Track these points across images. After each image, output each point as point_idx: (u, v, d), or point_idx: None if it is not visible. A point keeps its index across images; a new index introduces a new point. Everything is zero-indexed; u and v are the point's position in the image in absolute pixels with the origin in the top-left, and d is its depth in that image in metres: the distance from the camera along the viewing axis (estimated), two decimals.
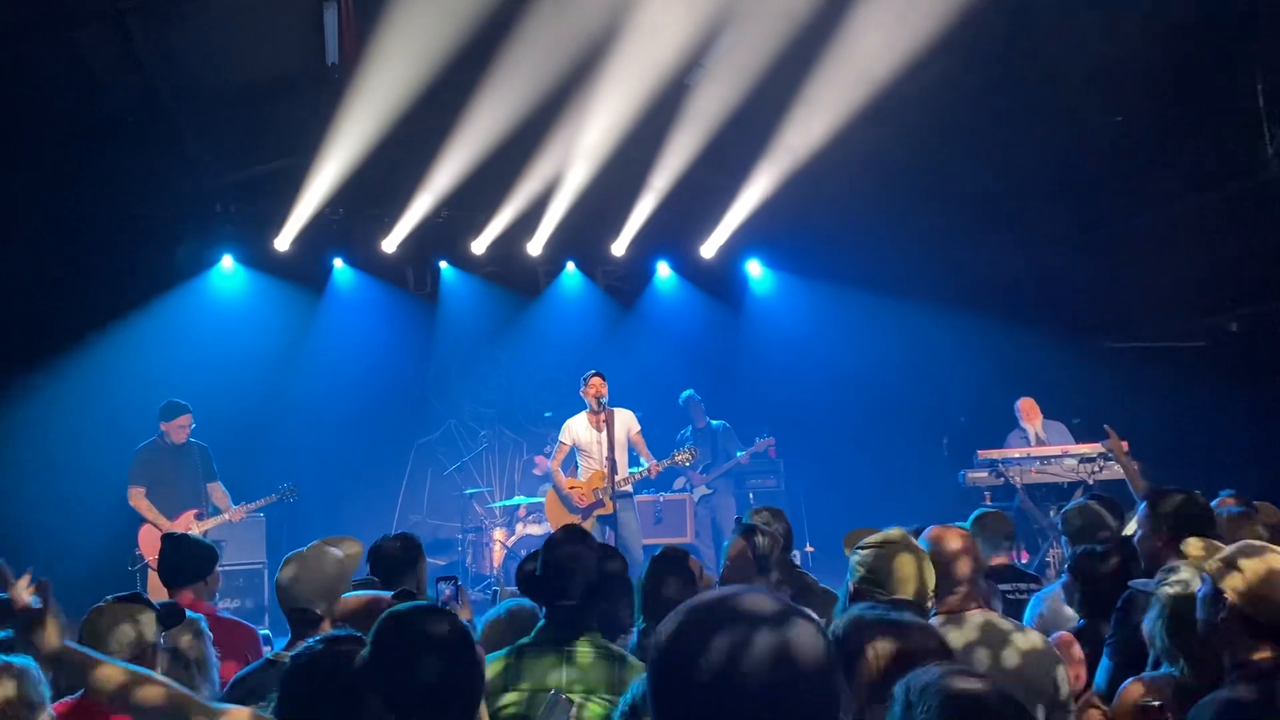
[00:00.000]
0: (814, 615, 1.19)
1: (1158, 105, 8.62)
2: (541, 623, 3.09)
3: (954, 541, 3.04)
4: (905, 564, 2.64)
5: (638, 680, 2.30)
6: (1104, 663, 3.04)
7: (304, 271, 10.57)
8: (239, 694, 2.95)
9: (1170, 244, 9.46)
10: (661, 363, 11.21)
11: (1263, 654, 2.36)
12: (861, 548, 2.73)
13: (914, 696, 1.42)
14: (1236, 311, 9.90)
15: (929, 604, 2.68)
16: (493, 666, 2.96)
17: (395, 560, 3.82)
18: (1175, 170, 9.14)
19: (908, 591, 2.60)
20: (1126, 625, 2.89)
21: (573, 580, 3.07)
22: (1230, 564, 2.41)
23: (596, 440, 7.75)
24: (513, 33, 7.86)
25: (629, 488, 7.80)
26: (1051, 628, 3.63)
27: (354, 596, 2.97)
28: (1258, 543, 2.47)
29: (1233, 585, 2.39)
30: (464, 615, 3.94)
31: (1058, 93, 8.58)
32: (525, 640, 3.05)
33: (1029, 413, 8.80)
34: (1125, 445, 5.62)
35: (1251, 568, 2.37)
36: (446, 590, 3.72)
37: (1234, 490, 4.25)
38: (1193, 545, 2.57)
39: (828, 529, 10.43)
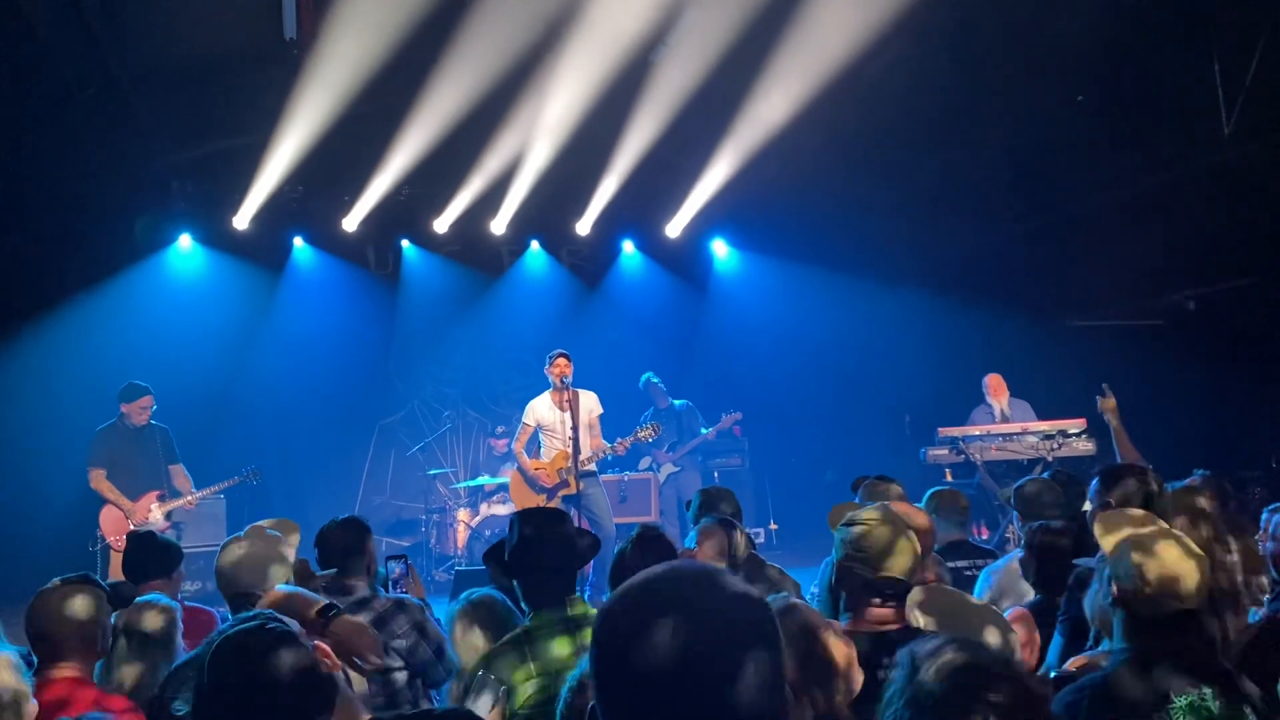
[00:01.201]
0: (758, 593, 1.18)
1: (1115, 85, 8.69)
2: (538, 609, 3.02)
3: (910, 519, 3.09)
4: (891, 541, 2.65)
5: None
6: (1055, 640, 3.08)
7: (263, 250, 10.44)
8: (183, 675, 2.91)
9: (1129, 223, 9.57)
10: (626, 342, 11.20)
11: (1133, 644, 2.39)
12: (847, 524, 2.73)
13: (920, 662, 1.42)
14: (1194, 290, 10.05)
15: (916, 579, 2.69)
16: (508, 661, 2.89)
17: (342, 545, 3.79)
18: (1133, 150, 9.23)
19: (893, 568, 2.61)
20: (1077, 603, 2.93)
21: (559, 551, 3.06)
22: (1121, 554, 2.43)
23: (560, 420, 7.73)
24: (474, 8, 7.77)
25: (593, 467, 7.80)
26: (1001, 600, 3.68)
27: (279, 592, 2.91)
28: (1156, 532, 2.45)
29: (1117, 575, 2.42)
30: (416, 593, 3.92)
31: (1017, 73, 8.62)
32: (528, 625, 2.99)
33: (996, 389, 8.87)
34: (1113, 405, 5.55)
35: (1139, 562, 2.38)
36: (397, 569, 3.69)
37: (1206, 470, 4.28)
38: (1102, 528, 2.58)
39: (791, 507, 10.52)
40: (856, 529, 2.70)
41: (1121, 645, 2.42)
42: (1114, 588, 2.42)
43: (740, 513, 4.42)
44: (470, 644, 3.26)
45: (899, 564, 2.63)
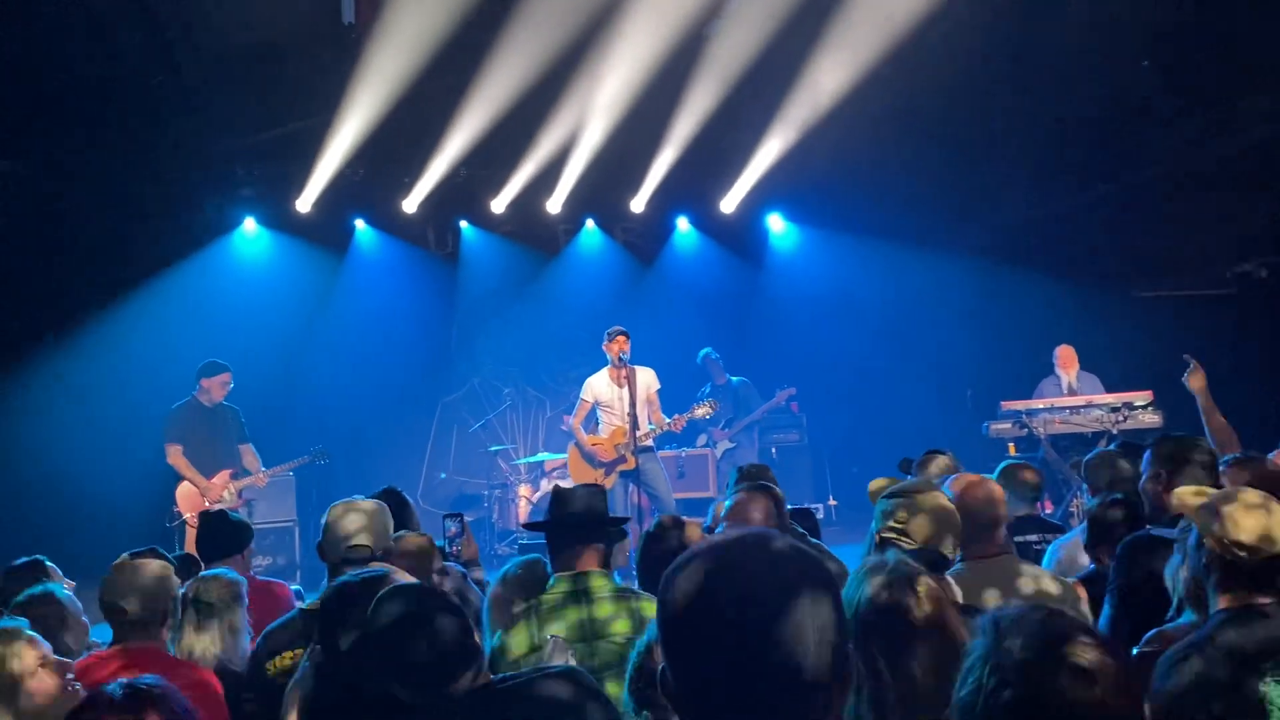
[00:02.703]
0: (811, 549, 1.21)
1: (1186, 47, 8.45)
2: (553, 579, 3.15)
3: (977, 490, 3.09)
4: (930, 513, 2.65)
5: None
6: (1105, 609, 3.06)
7: (326, 233, 10.61)
8: (270, 645, 3.05)
9: (1198, 190, 9.33)
10: (682, 319, 11.20)
11: (1234, 601, 2.36)
12: (887, 496, 2.75)
13: (1004, 627, 1.44)
14: (1266, 258, 9.78)
15: (953, 553, 2.69)
16: (519, 630, 3.01)
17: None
18: (1203, 114, 8.99)
19: (931, 541, 2.62)
20: (1125, 571, 2.91)
21: (583, 526, 3.16)
22: (1211, 510, 2.41)
23: (618, 397, 7.79)
24: None
25: (650, 442, 7.85)
26: (1067, 575, 3.66)
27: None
28: (1241, 490, 2.44)
29: (1210, 530, 2.40)
30: (470, 551, 4.02)
31: (1085, 38, 8.42)
32: (543, 595, 3.11)
33: (1066, 360, 8.69)
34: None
35: (1229, 513, 2.36)
36: (452, 527, 3.79)
37: None
38: (1181, 493, 2.56)
39: (850, 483, 10.46)
40: (892, 500, 2.71)
41: (1220, 609, 2.39)
42: (1208, 542, 2.39)
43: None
44: (499, 605, 3.40)
45: (934, 535, 2.63)
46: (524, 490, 9.82)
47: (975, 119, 9.73)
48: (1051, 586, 3.04)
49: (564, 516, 3.22)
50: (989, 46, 8.54)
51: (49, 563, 3.73)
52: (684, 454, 9.79)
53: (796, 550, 1.21)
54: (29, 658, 2.46)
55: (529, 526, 3.36)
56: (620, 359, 7.68)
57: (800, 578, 1.17)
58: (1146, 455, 3.51)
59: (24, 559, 3.70)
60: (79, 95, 8.26)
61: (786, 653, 1.13)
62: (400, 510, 3.93)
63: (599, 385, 7.98)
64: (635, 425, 7.41)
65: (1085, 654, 1.38)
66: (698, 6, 8.20)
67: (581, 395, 8.11)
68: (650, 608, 3.02)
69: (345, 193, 10.28)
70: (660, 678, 1.22)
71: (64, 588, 3.26)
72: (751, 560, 1.18)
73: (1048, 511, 7.52)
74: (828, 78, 8.91)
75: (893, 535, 2.66)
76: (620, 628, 2.99)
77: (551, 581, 3.13)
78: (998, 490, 3.21)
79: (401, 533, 3.44)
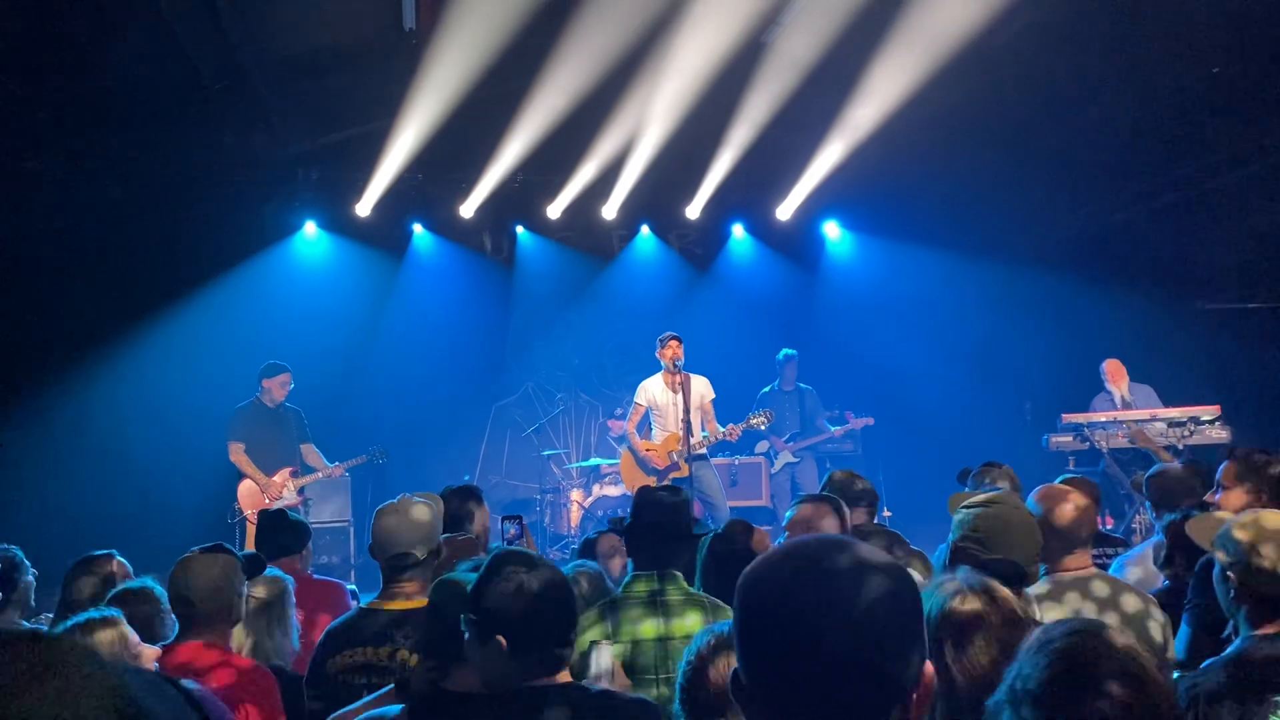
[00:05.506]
0: (890, 558, 1.20)
1: (1252, 57, 8.25)
2: (629, 575, 3.17)
3: (1063, 502, 3.05)
4: (1010, 525, 2.60)
5: (718, 624, 2.36)
6: (1182, 629, 2.98)
7: (385, 236, 10.77)
8: (331, 644, 3.09)
9: (1263, 199, 9.10)
10: (736, 326, 11.18)
11: (1264, 629, 2.30)
12: (966, 507, 2.69)
13: (1041, 642, 1.42)
14: None
15: (1034, 566, 2.63)
16: (587, 619, 3.03)
17: (456, 509, 3.95)
18: (1269, 124, 8.77)
19: (1011, 553, 2.56)
20: (1204, 590, 2.84)
21: (659, 531, 3.15)
22: (1224, 539, 2.35)
23: (672, 403, 7.78)
24: None
25: (704, 450, 7.82)
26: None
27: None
28: (1254, 513, 2.40)
29: (1230, 556, 2.36)
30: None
31: (1148, 45, 8.25)
32: (617, 595, 3.13)
33: (1115, 375, 8.56)
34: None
35: (1245, 540, 2.31)
36: (512, 529, 3.83)
37: None
38: (1193, 524, 2.50)
39: (905, 494, 10.34)
40: (972, 511, 2.66)
41: (1247, 633, 2.35)
42: (1230, 575, 2.35)
43: (869, 492, 4.40)
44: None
45: (1014, 547, 2.58)
46: (576, 495, 9.85)
47: (1037, 127, 9.58)
48: (1131, 601, 2.97)
49: (650, 519, 3.22)
50: (1052, 53, 8.40)
51: (120, 557, 3.81)
52: (737, 462, 9.75)
53: (881, 556, 1.20)
54: (105, 640, 2.50)
55: (617, 527, 3.38)
56: (675, 365, 7.68)
57: (885, 583, 1.16)
58: (1221, 468, 3.43)
59: (98, 551, 3.78)
60: (144, 98, 8.45)
61: (869, 656, 1.13)
62: (466, 508, 3.98)
63: (654, 389, 7.98)
64: (689, 431, 7.39)
65: (1112, 685, 1.35)
66: (756, 14, 8.17)
67: (635, 399, 8.11)
68: (726, 616, 3.02)
69: (404, 197, 10.43)
70: (732, 680, 1.21)
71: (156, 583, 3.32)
72: (838, 564, 1.17)
73: (1108, 526, 7.39)
74: (886, 85, 8.83)
75: (969, 546, 2.61)
76: (691, 630, 2.99)
77: (629, 577, 3.15)
78: (1084, 503, 3.13)
79: (447, 535, 3.47)
